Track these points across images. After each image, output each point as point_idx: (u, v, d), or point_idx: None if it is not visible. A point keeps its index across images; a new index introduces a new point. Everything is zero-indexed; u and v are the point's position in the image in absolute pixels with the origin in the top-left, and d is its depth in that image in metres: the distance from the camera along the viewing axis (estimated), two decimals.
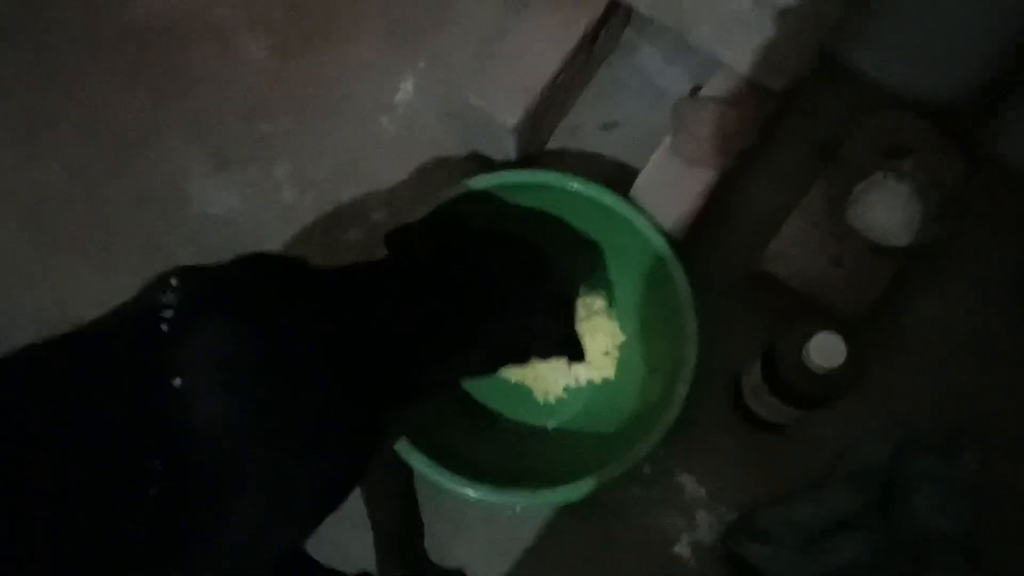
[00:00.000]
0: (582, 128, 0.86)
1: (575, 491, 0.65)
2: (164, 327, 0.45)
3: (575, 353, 0.69)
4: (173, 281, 0.47)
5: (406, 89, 0.87)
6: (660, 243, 0.70)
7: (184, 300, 0.46)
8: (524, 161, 0.82)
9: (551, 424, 0.77)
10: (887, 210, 0.74)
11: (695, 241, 0.80)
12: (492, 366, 0.65)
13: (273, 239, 0.84)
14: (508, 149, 0.79)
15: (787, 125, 0.83)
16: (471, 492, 0.65)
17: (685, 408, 0.68)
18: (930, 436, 0.74)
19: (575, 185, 0.72)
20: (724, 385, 0.77)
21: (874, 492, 0.73)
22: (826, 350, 0.61)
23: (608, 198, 0.71)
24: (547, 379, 0.77)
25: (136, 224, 0.84)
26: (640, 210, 0.72)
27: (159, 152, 0.86)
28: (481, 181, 0.72)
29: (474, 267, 0.62)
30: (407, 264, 0.61)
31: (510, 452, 0.73)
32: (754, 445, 0.76)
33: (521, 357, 0.66)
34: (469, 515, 0.76)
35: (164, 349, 0.44)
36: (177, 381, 0.44)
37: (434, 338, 0.58)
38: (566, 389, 0.78)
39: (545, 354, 0.67)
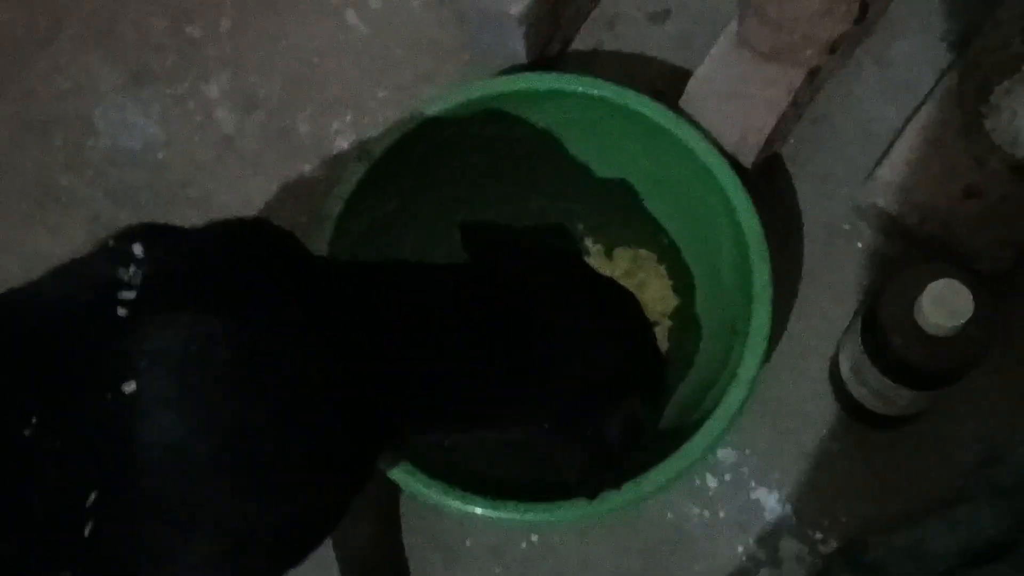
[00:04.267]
0: (622, 19, 0.87)
1: (598, 505, 0.66)
2: (122, 311, 0.46)
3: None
4: (137, 250, 0.48)
5: None
6: (720, 168, 0.71)
7: (150, 279, 0.47)
8: (539, 64, 0.84)
9: None
10: None
11: (773, 167, 0.81)
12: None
13: (206, 178, 0.86)
14: (516, 47, 0.81)
15: (903, 4, 0.83)
16: (460, 506, 0.67)
17: (758, 394, 0.68)
18: None
19: (600, 91, 0.73)
20: (819, 365, 0.78)
21: None
22: (946, 303, 0.61)
23: (647, 107, 0.72)
24: None
25: (24, 160, 0.87)
26: (691, 123, 0.72)
27: (53, 64, 0.89)
28: (462, 93, 0.73)
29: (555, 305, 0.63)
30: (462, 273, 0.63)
31: (525, 460, 0.75)
32: (862, 447, 0.77)
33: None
34: (471, 544, 0.77)
35: (119, 341, 0.45)
36: (130, 386, 0.44)
37: (465, 376, 0.59)
38: None
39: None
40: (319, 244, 0.70)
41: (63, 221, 0.86)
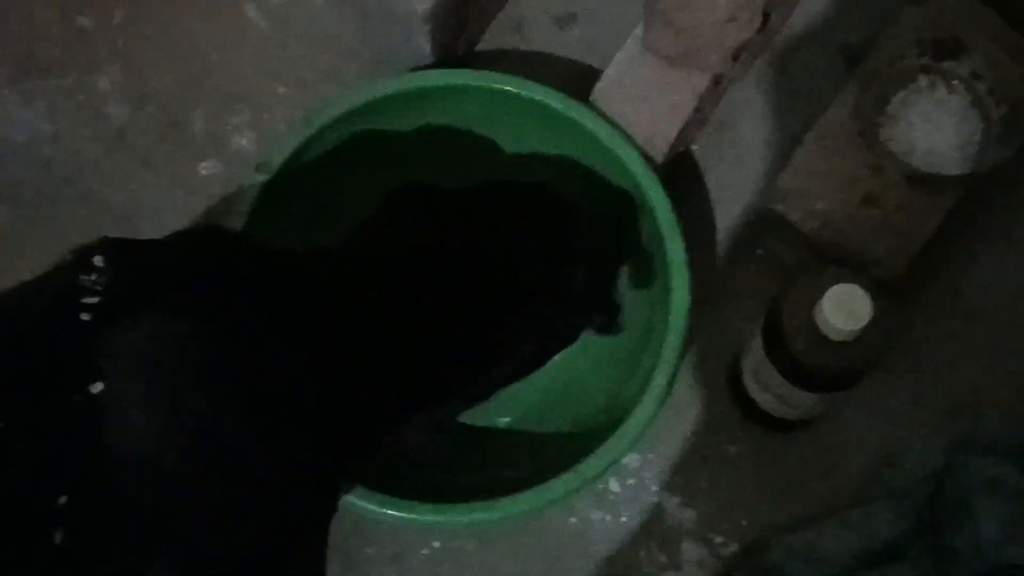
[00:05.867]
0: (528, 23, 0.87)
1: (493, 511, 0.65)
2: (85, 316, 0.45)
3: (610, 322, 0.72)
4: (98, 260, 0.46)
5: None
6: (634, 162, 0.71)
7: (115, 283, 0.46)
8: (445, 65, 0.83)
9: (503, 420, 0.78)
10: (935, 128, 0.76)
11: (676, 173, 0.81)
12: (520, 373, 0.67)
13: (95, 174, 0.84)
14: (421, 46, 0.80)
15: (802, 14, 0.85)
16: (370, 508, 0.65)
17: (664, 404, 0.69)
18: (999, 434, 0.76)
19: (505, 86, 0.73)
20: (721, 369, 0.79)
21: (924, 511, 0.75)
22: (845, 307, 0.62)
23: (554, 99, 0.72)
24: None
25: None
26: (602, 116, 0.73)
27: None
28: (368, 91, 0.73)
29: (495, 238, 0.64)
30: (397, 246, 0.62)
31: (445, 465, 0.74)
32: (761, 451, 0.78)
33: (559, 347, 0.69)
34: (371, 552, 0.76)
35: (84, 344, 0.44)
36: (97, 387, 0.43)
37: (450, 351, 0.59)
38: None
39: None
40: None
41: None
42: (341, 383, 0.52)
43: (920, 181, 0.75)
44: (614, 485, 0.77)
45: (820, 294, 0.63)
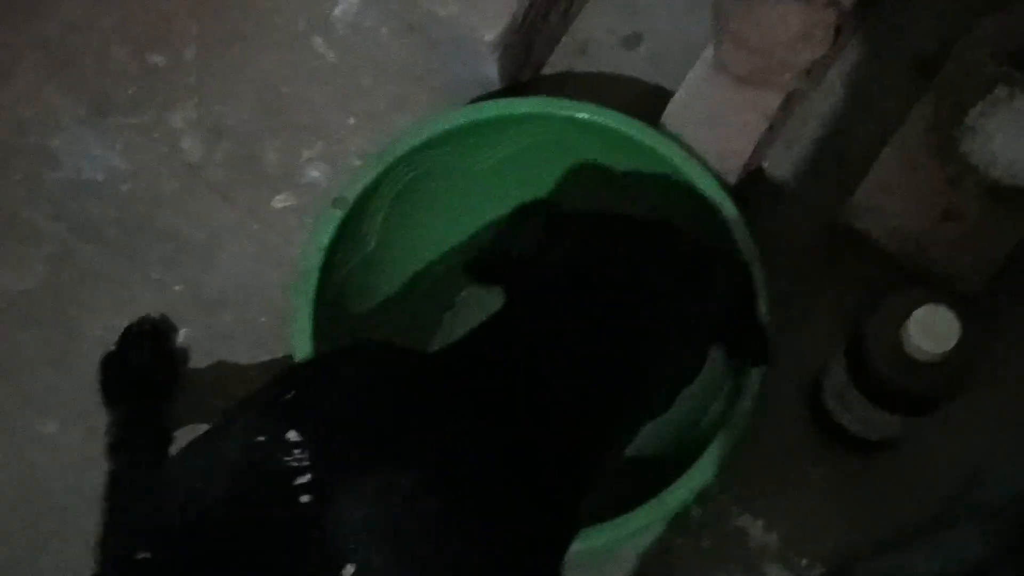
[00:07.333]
0: (594, 44, 0.87)
1: (576, 543, 0.64)
2: (305, 498, 0.45)
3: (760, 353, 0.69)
4: (292, 436, 0.46)
5: None
6: (714, 191, 0.70)
7: (321, 454, 0.46)
8: (512, 90, 0.83)
9: None
10: (1015, 139, 0.74)
11: (748, 192, 0.80)
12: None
13: (173, 210, 0.85)
14: (489, 73, 0.80)
15: (873, 27, 0.84)
16: None
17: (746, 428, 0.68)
18: None
19: (576, 113, 0.72)
20: (798, 390, 0.78)
21: (1014, 532, 0.73)
22: (933, 329, 0.61)
23: (626, 125, 0.72)
24: None
25: None
26: (679, 143, 0.72)
27: (12, 96, 0.88)
28: (440, 122, 0.73)
29: (626, 290, 0.62)
30: (531, 318, 0.60)
31: None
32: (844, 473, 0.76)
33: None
34: None
35: (316, 529, 0.44)
36: (349, 570, 0.43)
37: (617, 409, 0.59)
38: None
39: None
40: (304, 299, 0.69)
41: (25, 257, 0.84)
42: (554, 468, 0.52)
43: (1001, 194, 0.74)
44: (695, 510, 0.76)
45: (906, 315, 0.61)
